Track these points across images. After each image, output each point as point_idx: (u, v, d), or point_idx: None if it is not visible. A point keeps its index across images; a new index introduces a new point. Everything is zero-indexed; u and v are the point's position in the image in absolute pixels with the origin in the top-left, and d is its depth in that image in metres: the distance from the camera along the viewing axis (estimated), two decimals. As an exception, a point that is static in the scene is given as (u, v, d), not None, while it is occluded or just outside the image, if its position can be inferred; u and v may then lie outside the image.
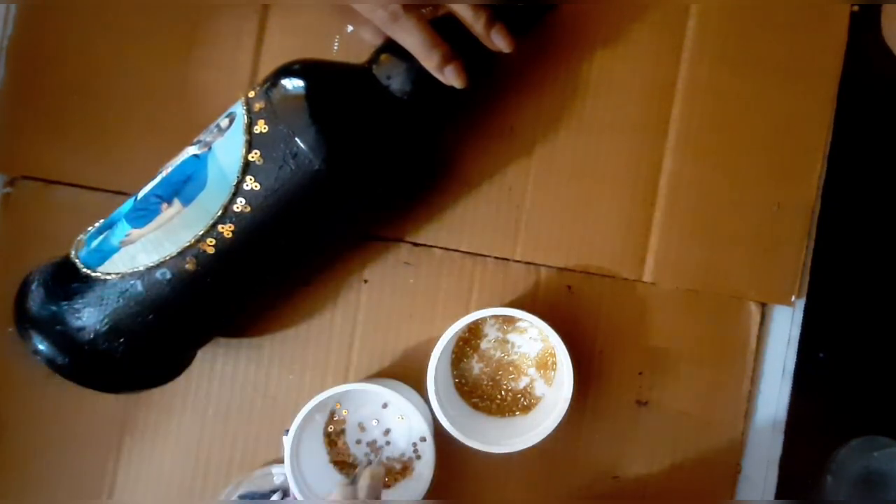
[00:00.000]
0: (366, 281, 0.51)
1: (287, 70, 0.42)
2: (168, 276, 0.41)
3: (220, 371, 0.51)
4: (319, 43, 0.51)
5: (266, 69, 0.44)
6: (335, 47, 0.51)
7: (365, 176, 0.42)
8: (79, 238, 0.44)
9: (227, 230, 0.40)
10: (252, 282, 0.44)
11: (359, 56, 0.45)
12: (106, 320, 0.41)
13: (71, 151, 0.51)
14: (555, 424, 0.46)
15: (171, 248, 0.40)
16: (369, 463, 0.49)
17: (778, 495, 0.51)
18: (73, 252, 0.43)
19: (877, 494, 0.55)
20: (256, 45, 0.51)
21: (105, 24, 0.51)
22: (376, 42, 0.45)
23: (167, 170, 0.42)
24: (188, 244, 0.40)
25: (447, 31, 0.42)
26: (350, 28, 0.50)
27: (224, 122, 0.42)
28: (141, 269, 0.40)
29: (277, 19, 0.51)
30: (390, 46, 0.43)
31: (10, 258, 0.50)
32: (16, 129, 0.51)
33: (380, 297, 0.51)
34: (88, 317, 0.41)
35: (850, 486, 0.55)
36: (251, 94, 0.42)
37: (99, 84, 0.51)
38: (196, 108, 0.50)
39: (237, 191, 0.40)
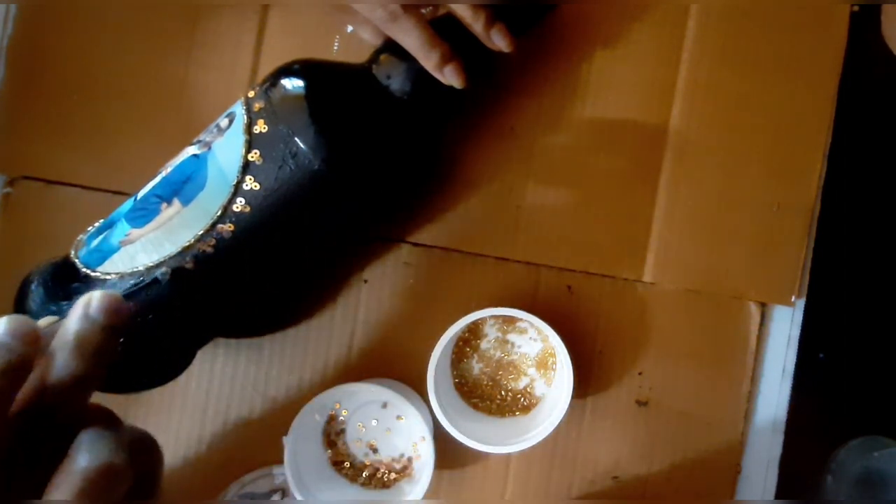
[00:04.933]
0: (366, 281, 0.51)
1: (287, 70, 0.42)
2: (168, 276, 0.41)
3: (220, 371, 0.51)
4: (319, 43, 0.51)
5: (266, 69, 0.44)
6: (335, 47, 0.51)
7: (365, 176, 0.42)
8: (79, 238, 0.44)
9: (226, 230, 0.40)
10: (252, 282, 0.44)
11: (359, 56, 0.45)
12: (106, 320, 0.41)
13: (71, 151, 0.51)
14: (555, 424, 0.46)
15: (170, 248, 0.40)
16: None
17: (778, 495, 0.51)
18: (72, 252, 0.43)
19: (877, 494, 0.55)
20: (256, 45, 0.51)
21: (105, 25, 0.51)
22: (376, 42, 0.45)
23: (167, 170, 0.42)
24: (188, 244, 0.40)
25: (447, 31, 0.42)
26: (350, 28, 0.50)
27: (224, 122, 0.42)
28: (141, 269, 0.40)
29: (277, 19, 0.51)
30: (390, 46, 0.43)
31: (10, 258, 0.50)
32: (16, 129, 0.51)
33: (380, 297, 0.51)
34: (88, 317, 0.41)
35: (850, 486, 0.55)
36: (251, 94, 0.42)
37: (99, 84, 0.51)
38: (196, 108, 0.51)
39: (237, 191, 0.40)
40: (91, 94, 0.51)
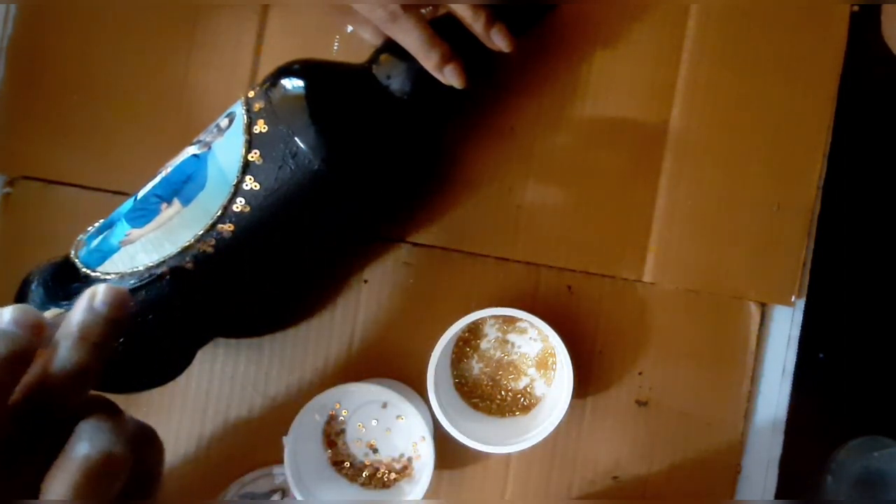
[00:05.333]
0: (366, 281, 0.51)
1: (287, 70, 0.42)
2: (168, 276, 0.41)
3: (220, 371, 0.51)
4: (319, 43, 0.51)
5: (266, 69, 0.44)
6: (335, 47, 0.51)
7: (365, 176, 0.42)
8: (79, 238, 0.44)
9: (226, 230, 0.40)
10: (252, 282, 0.44)
11: (359, 56, 0.45)
12: (106, 320, 0.41)
13: (71, 151, 0.51)
14: (555, 424, 0.46)
15: (170, 248, 0.40)
16: None
17: (778, 495, 0.51)
18: (72, 252, 0.43)
19: (877, 494, 0.55)
20: (256, 45, 0.51)
21: (105, 25, 0.51)
22: (376, 42, 0.45)
23: (167, 170, 0.42)
24: (188, 244, 0.40)
25: (447, 31, 0.42)
26: (350, 28, 0.50)
27: (224, 122, 0.42)
28: (141, 268, 0.40)
29: (277, 19, 0.51)
30: (390, 46, 0.43)
31: (10, 258, 0.50)
32: (16, 129, 0.51)
33: (380, 297, 0.51)
34: (88, 317, 0.41)
35: (850, 486, 0.55)
36: (251, 93, 0.42)
37: (99, 84, 0.51)
38: (196, 108, 0.50)
39: (237, 191, 0.40)
40: (91, 94, 0.51)
